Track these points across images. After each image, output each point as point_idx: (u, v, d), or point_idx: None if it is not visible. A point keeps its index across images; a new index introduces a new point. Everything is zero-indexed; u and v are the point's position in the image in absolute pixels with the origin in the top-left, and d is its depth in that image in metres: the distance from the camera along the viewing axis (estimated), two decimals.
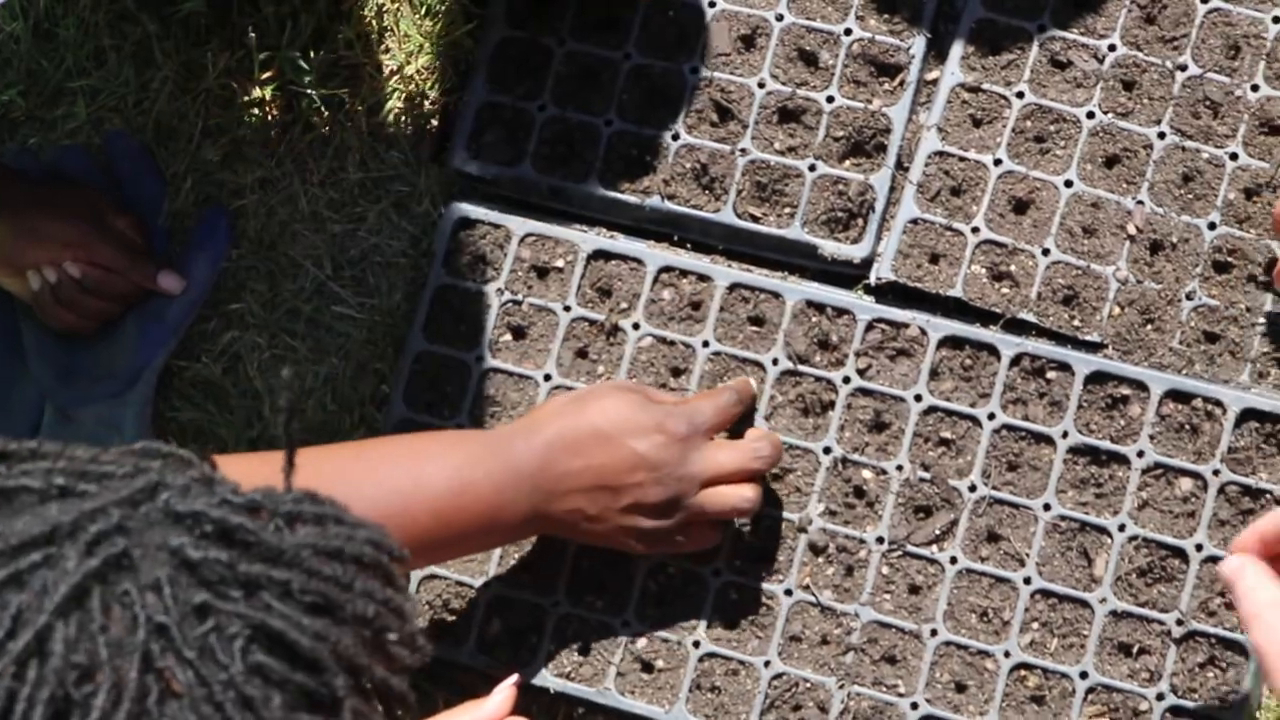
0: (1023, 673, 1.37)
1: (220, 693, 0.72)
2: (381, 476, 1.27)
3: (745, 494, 1.33)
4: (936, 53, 1.47)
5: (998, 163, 1.44)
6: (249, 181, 1.54)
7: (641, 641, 1.41)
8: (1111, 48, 1.45)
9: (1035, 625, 1.38)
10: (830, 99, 1.46)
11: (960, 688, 1.38)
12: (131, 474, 0.78)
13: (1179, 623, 1.36)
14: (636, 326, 1.45)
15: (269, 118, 1.54)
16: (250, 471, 0.83)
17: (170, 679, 0.72)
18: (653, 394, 1.36)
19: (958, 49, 1.46)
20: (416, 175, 1.53)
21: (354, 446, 1.36)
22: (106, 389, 1.48)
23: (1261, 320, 1.39)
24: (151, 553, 0.74)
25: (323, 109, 1.53)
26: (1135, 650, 1.36)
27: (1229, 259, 1.41)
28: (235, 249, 1.53)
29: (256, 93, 1.54)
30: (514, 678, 1.32)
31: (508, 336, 1.47)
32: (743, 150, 1.46)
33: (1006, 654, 1.37)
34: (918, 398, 1.41)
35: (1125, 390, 1.39)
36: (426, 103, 1.54)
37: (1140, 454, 1.38)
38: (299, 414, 1.49)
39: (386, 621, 0.80)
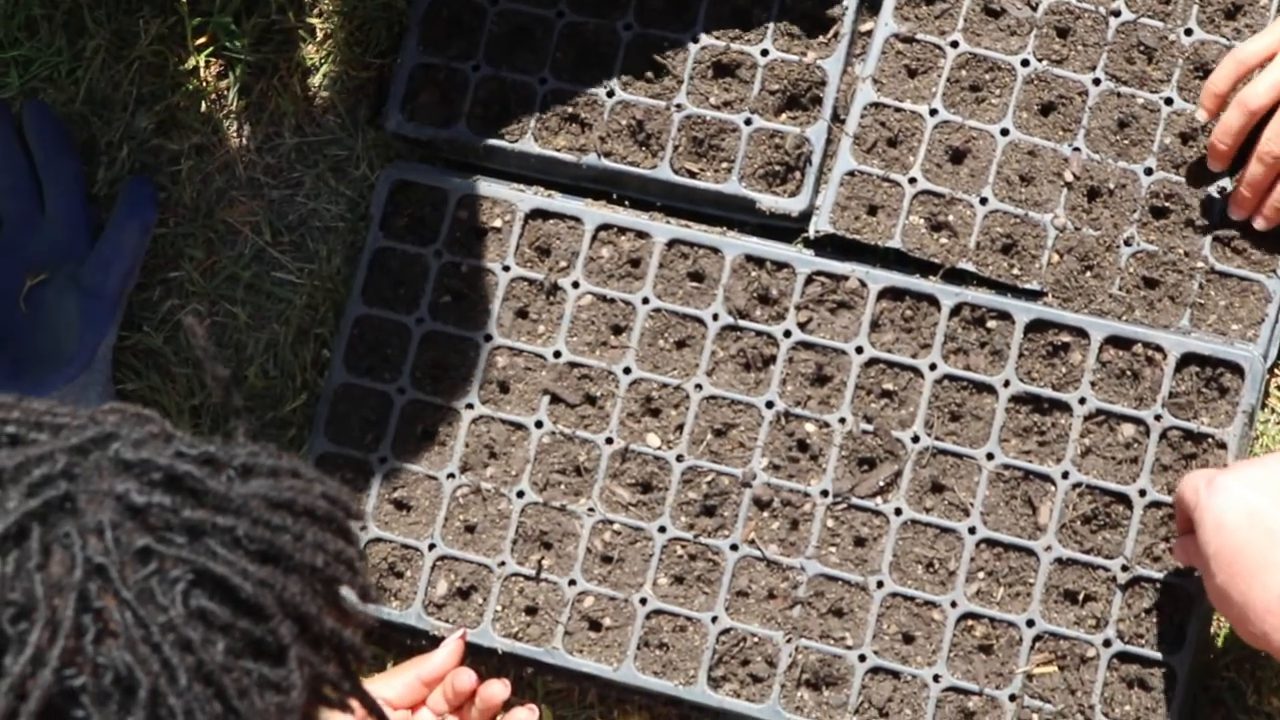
0: (970, 622, 1.37)
1: (158, 634, 0.72)
2: None
3: None
4: (870, 4, 1.46)
5: (933, 113, 1.43)
6: (184, 149, 1.53)
7: (588, 600, 1.41)
8: None
9: (981, 575, 1.38)
10: (765, 52, 1.45)
11: (908, 639, 1.38)
12: (84, 425, 0.78)
13: (1124, 568, 1.36)
14: (576, 285, 1.45)
15: (203, 84, 1.53)
16: None
17: (108, 619, 0.71)
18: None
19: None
20: (353, 139, 1.52)
21: None
22: (64, 375, 1.47)
23: (1200, 264, 1.39)
24: (96, 497, 0.74)
25: (256, 75, 1.52)
26: (1081, 597, 1.37)
27: (1166, 204, 1.41)
28: (172, 217, 1.52)
29: (190, 60, 1.53)
30: (460, 631, 1.33)
31: (447, 298, 1.46)
32: (678, 106, 1.46)
33: (953, 604, 1.37)
34: (859, 350, 1.41)
35: (1066, 338, 1.39)
36: (360, 66, 1.53)
37: (1082, 401, 1.38)
38: (241, 382, 1.49)
39: (337, 573, 0.80)
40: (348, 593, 0.82)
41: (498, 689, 1.31)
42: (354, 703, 0.83)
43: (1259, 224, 1.38)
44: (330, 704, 0.82)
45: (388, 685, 1.30)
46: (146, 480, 0.75)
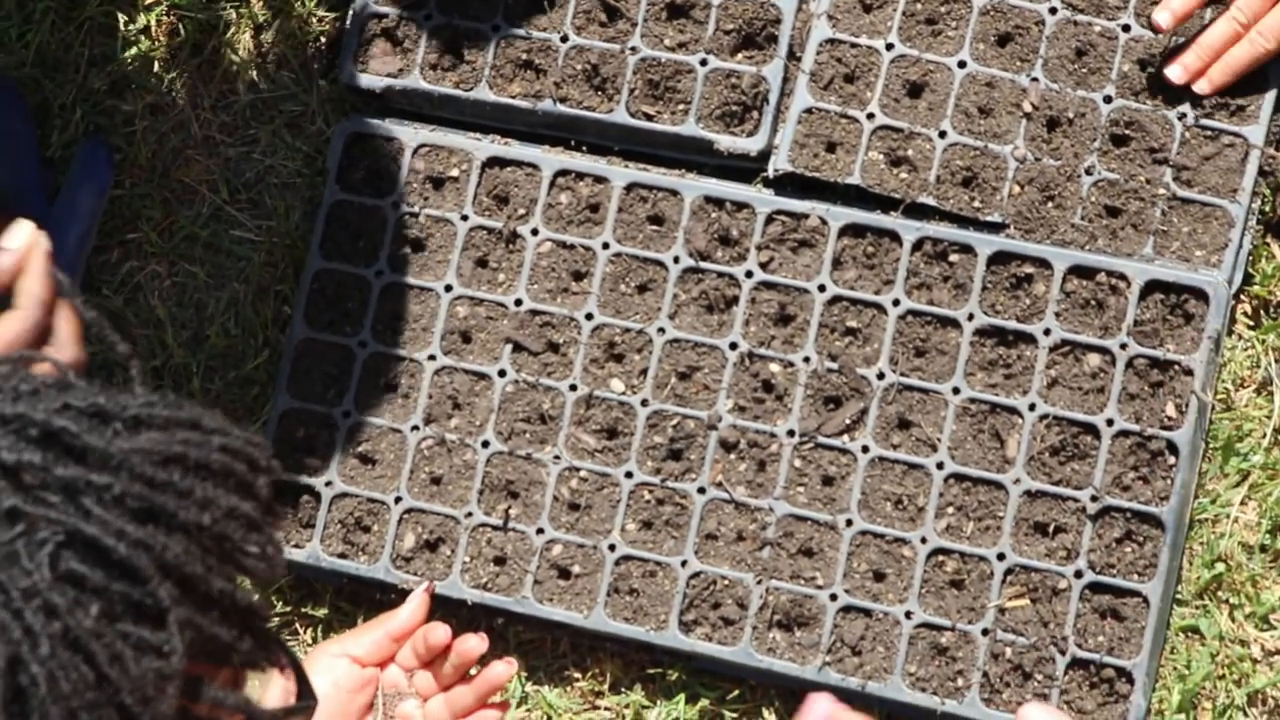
0: (940, 558, 1.37)
1: (19, 599, 0.68)
2: None
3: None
4: None
5: (890, 47, 1.42)
6: (138, 109, 1.51)
7: (557, 548, 1.40)
8: None
9: (950, 510, 1.37)
10: None
11: (878, 576, 1.37)
12: None
13: (1094, 499, 1.35)
14: (535, 232, 1.44)
15: (154, 44, 1.52)
16: None
17: None
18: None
19: None
20: (307, 94, 1.51)
21: None
22: None
23: (1162, 191, 1.38)
24: None
25: (208, 32, 1.51)
26: (1051, 529, 1.36)
27: (1127, 131, 1.39)
28: (128, 178, 1.51)
29: (140, 19, 1.51)
30: (426, 584, 1.31)
31: (406, 250, 1.45)
32: (633, 49, 1.44)
33: (923, 540, 1.37)
34: (821, 288, 1.40)
35: (1029, 269, 1.38)
36: (313, 20, 1.51)
37: (1047, 332, 1.37)
38: (203, 341, 1.48)
39: (228, 530, 0.75)
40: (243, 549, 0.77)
41: (475, 643, 1.28)
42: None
43: (1203, 87, 1.37)
44: (236, 665, 0.78)
45: (355, 642, 1.28)
46: (21, 436, 0.71)
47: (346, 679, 1.26)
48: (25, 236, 1.00)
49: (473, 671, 1.31)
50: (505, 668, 1.28)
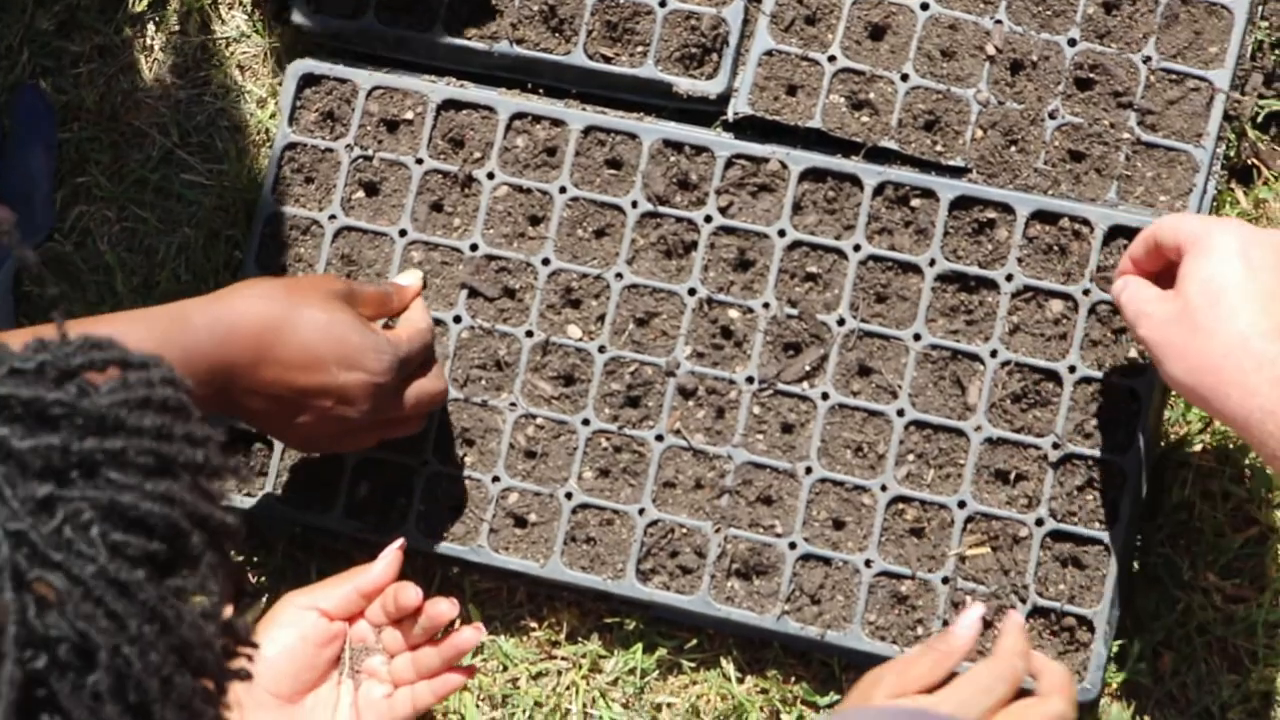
0: (900, 506, 1.35)
1: (97, 586, 0.68)
2: None
3: (435, 391, 1.28)
4: None
5: None
6: (86, 50, 1.49)
7: (513, 497, 1.38)
8: None
9: (911, 457, 1.36)
10: None
11: (838, 524, 1.36)
12: None
13: (1055, 446, 1.34)
14: (491, 176, 1.41)
15: None
16: None
17: (41, 588, 0.67)
18: (361, 296, 1.26)
19: None
20: (260, 35, 1.48)
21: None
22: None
23: (1126, 135, 1.36)
24: None
25: None
26: (1013, 477, 1.35)
27: (1091, 75, 1.38)
28: (76, 121, 1.48)
29: None
30: (399, 542, 1.28)
31: (360, 194, 1.43)
32: None
33: (883, 488, 1.35)
34: (781, 233, 1.38)
35: (991, 214, 1.37)
36: None
37: (1009, 278, 1.36)
38: (153, 287, 1.45)
39: (212, 458, 0.76)
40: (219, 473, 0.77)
41: (445, 607, 1.25)
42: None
43: None
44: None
45: (324, 595, 1.26)
46: (12, 418, 0.69)
47: (314, 632, 1.24)
48: (416, 279, 1.34)
49: (441, 636, 1.29)
50: (473, 633, 1.25)
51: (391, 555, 1.28)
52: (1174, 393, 1.36)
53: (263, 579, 1.43)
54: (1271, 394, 1.12)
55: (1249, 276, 1.16)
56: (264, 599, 1.40)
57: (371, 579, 1.27)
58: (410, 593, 1.25)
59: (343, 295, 1.23)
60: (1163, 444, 1.37)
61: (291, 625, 1.23)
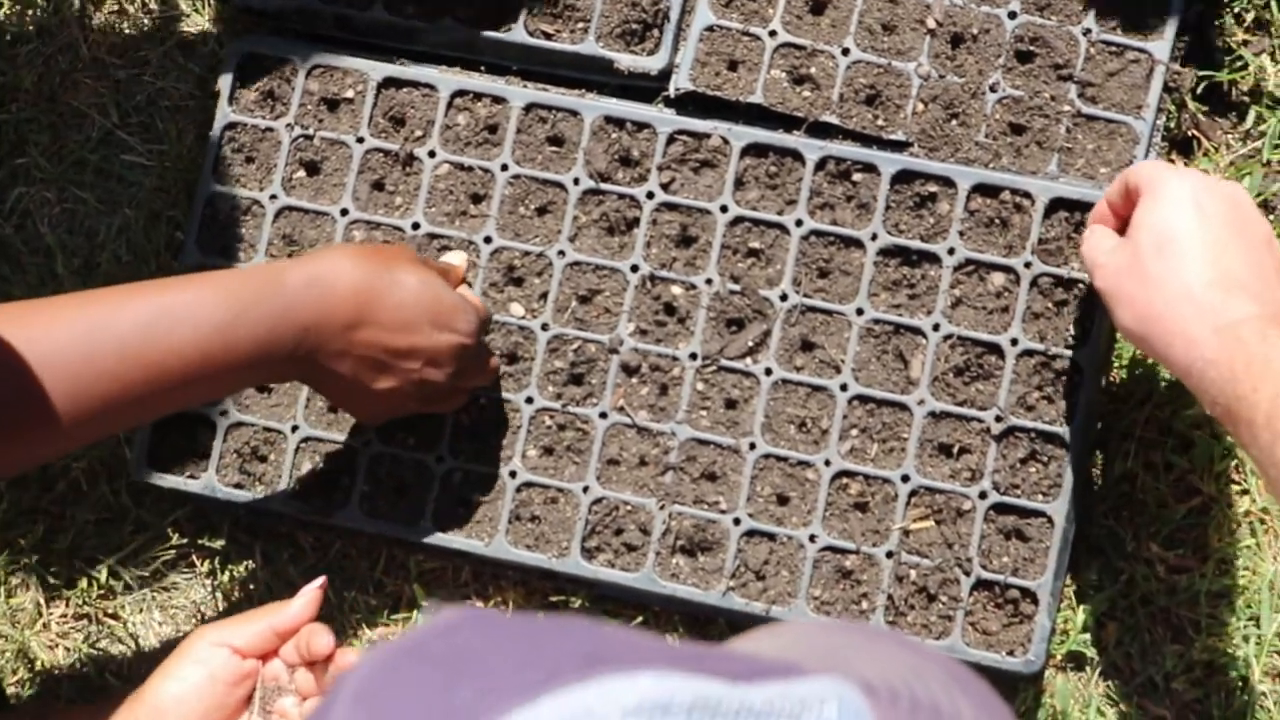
0: (844, 480, 1.35)
1: None
2: (128, 316, 1.14)
3: (496, 364, 1.36)
4: None
5: None
6: (23, 30, 1.47)
7: (457, 476, 1.38)
8: None
9: (854, 432, 1.36)
10: None
11: (782, 500, 1.36)
12: None
13: (998, 419, 1.34)
14: (433, 154, 1.41)
15: None
16: None
17: None
18: (431, 266, 1.27)
19: None
20: (200, 14, 1.47)
21: (120, 290, 1.19)
22: None
23: (1067, 107, 1.36)
24: None
25: None
26: (956, 450, 1.35)
27: (1031, 48, 1.38)
28: (14, 102, 1.47)
29: None
30: (320, 580, 1.25)
31: (301, 173, 1.42)
32: None
33: (827, 463, 1.35)
34: (724, 209, 1.38)
35: (933, 188, 1.37)
36: None
37: (951, 251, 1.36)
38: (94, 268, 1.44)
39: None
40: None
41: (354, 659, 1.21)
42: None
43: None
44: None
45: (236, 632, 1.22)
46: None
47: (224, 671, 1.20)
48: (463, 259, 1.36)
49: None
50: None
51: (310, 594, 1.23)
52: (1117, 363, 1.36)
53: (209, 562, 1.42)
54: (1213, 343, 1.12)
55: (1200, 225, 1.16)
56: None
57: (287, 618, 1.23)
58: (322, 639, 1.21)
59: (428, 269, 1.25)
60: (1105, 416, 1.37)
61: (202, 663, 1.20)
